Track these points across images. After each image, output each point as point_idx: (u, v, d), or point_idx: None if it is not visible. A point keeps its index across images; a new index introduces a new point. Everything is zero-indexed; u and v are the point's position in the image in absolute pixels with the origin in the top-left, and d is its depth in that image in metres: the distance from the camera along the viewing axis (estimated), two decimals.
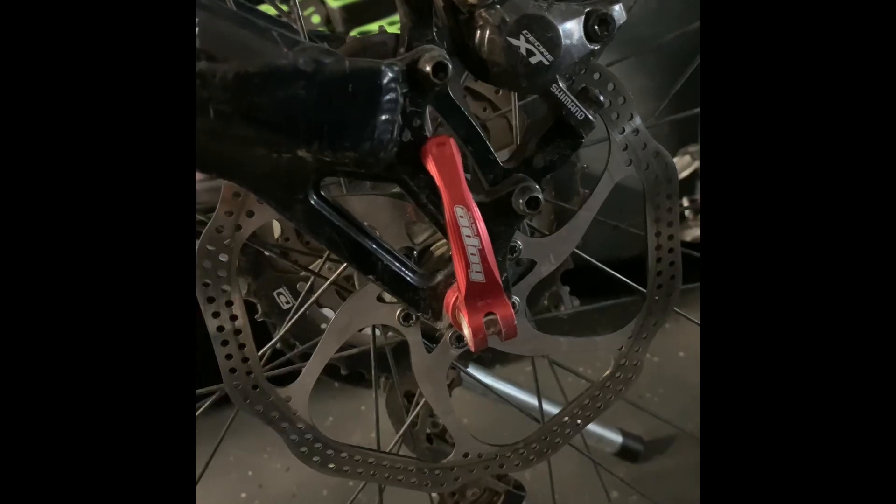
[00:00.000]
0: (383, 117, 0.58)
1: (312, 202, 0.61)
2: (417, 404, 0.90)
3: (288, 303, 0.93)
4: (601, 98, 0.67)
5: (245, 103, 0.54)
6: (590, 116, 0.66)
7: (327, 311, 0.94)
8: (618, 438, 1.59)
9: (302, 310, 0.81)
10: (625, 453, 1.59)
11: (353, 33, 1.85)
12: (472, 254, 0.61)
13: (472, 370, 1.30)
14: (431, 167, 0.61)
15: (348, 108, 0.57)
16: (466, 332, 0.63)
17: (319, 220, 0.62)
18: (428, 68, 0.59)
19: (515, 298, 0.74)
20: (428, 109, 0.61)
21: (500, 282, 0.63)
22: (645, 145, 0.73)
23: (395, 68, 0.58)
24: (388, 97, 0.58)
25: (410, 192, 0.64)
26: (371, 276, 0.65)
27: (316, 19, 2.00)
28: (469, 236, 0.61)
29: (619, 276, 0.87)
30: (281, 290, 0.92)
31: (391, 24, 1.70)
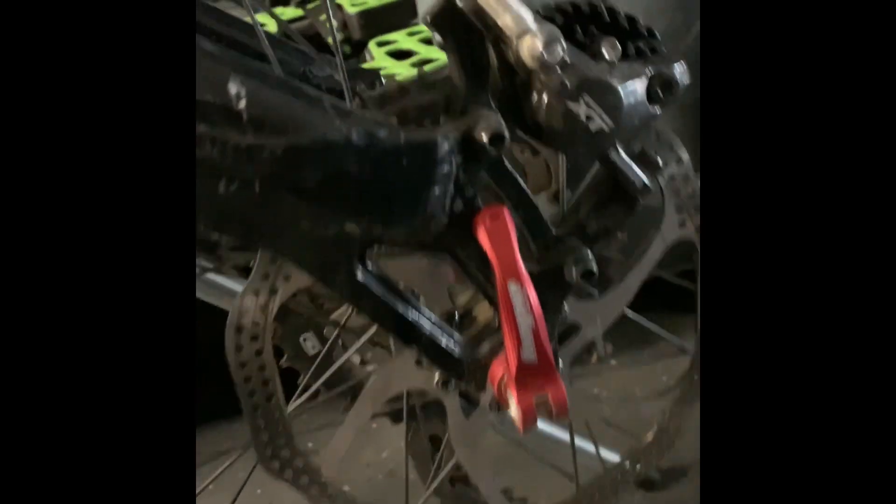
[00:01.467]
0: (437, 190, 0.55)
1: (358, 273, 0.58)
2: (441, 450, 0.87)
3: (314, 348, 0.89)
4: (660, 161, 0.64)
5: (293, 177, 0.50)
6: (647, 183, 0.63)
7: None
8: None
9: (336, 364, 0.77)
10: (641, 481, 1.57)
11: (371, 43, 1.81)
12: (524, 332, 0.58)
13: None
14: (484, 239, 0.57)
15: (401, 183, 0.53)
16: (514, 411, 0.60)
17: (363, 293, 0.58)
18: (485, 138, 0.55)
19: (560, 363, 0.70)
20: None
21: (554, 361, 0.59)
22: (693, 194, 0.69)
23: (451, 139, 0.55)
24: (442, 169, 0.54)
25: (460, 262, 0.60)
26: (414, 347, 0.62)
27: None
28: (522, 314, 0.57)
29: (662, 332, 0.83)
30: (307, 335, 0.88)
31: (410, 35, 1.66)
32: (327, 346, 0.86)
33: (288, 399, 0.70)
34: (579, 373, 0.93)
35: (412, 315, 0.61)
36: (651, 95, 0.61)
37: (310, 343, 0.89)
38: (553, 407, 0.60)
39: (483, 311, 0.69)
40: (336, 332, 0.83)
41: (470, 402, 0.72)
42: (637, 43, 0.61)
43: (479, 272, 0.60)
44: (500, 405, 0.69)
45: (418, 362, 0.68)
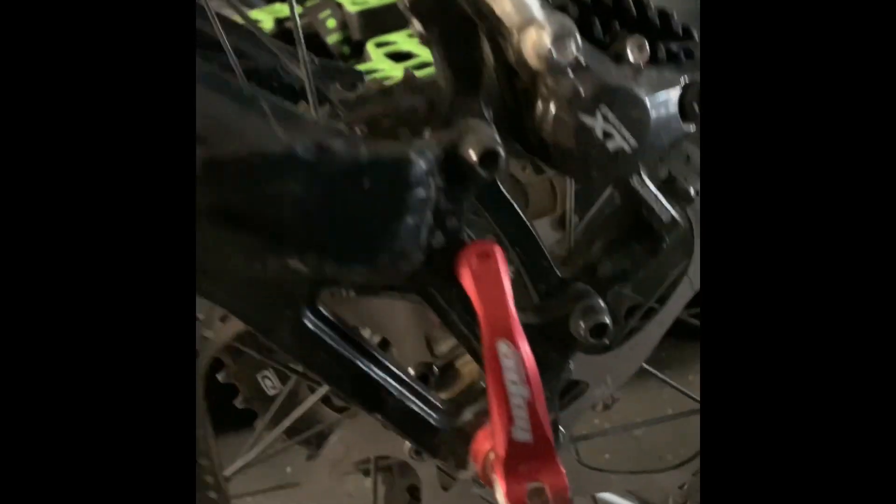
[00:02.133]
0: (409, 221, 0.42)
1: (306, 322, 0.45)
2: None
3: (274, 388, 0.77)
4: (691, 191, 0.52)
5: (217, 199, 0.38)
6: (676, 217, 0.51)
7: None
8: None
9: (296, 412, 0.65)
10: None
11: (370, 43, 1.69)
12: (517, 405, 0.45)
13: None
14: (468, 283, 0.45)
15: (361, 210, 0.41)
16: (501, 501, 0.48)
17: (312, 345, 0.46)
18: (473, 156, 0.43)
19: (560, 430, 0.58)
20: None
21: (553, 441, 0.47)
22: None
23: (429, 156, 0.42)
24: (417, 195, 0.42)
25: (437, 308, 0.48)
26: (378, 415, 0.49)
27: (331, 23, 1.85)
28: (515, 382, 0.45)
29: (680, 388, 0.71)
30: (266, 372, 0.76)
31: (412, 36, 1.52)
32: (289, 384, 0.74)
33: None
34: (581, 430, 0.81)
35: (376, 373, 0.49)
36: (684, 109, 0.49)
37: (269, 382, 0.77)
38: (550, 498, 0.47)
39: (468, 365, 0.56)
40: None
41: (450, 476, 0.60)
42: (669, 44, 0.49)
43: (461, 322, 0.48)
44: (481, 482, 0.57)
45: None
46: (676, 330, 0.62)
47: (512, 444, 0.46)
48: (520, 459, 0.47)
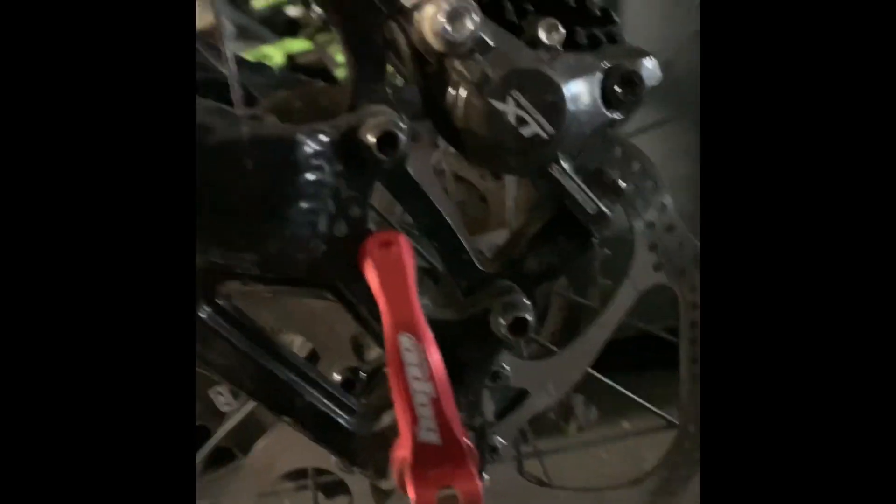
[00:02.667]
0: (301, 206, 0.41)
1: (202, 315, 0.44)
2: None
3: (228, 404, 0.75)
4: (622, 184, 0.49)
5: None
6: (604, 209, 0.48)
7: None
8: None
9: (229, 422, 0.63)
10: None
11: None
12: (421, 403, 0.43)
13: None
14: (371, 275, 0.43)
15: (244, 192, 0.39)
16: None
17: (210, 341, 0.44)
18: (371, 139, 0.41)
19: (498, 440, 0.55)
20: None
21: (463, 443, 0.44)
22: (681, 245, 0.54)
23: (322, 138, 0.41)
24: (308, 177, 0.40)
25: (346, 302, 0.46)
26: (286, 418, 0.47)
27: (340, 58, 1.87)
28: (418, 378, 0.42)
29: (647, 405, 0.68)
30: (220, 388, 0.74)
31: None
32: (243, 403, 0.72)
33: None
34: (549, 447, 0.78)
35: (284, 373, 0.46)
36: (608, 96, 0.47)
37: (222, 398, 0.75)
38: (463, 502, 0.44)
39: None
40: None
41: (382, 490, 0.57)
42: (590, 29, 0.47)
43: (371, 316, 0.46)
44: None
45: None
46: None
47: (418, 445, 0.43)
48: (429, 463, 0.44)
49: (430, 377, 0.43)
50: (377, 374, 0.55)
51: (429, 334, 0.43)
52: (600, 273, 0.78)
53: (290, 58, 1.86)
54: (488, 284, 0.49)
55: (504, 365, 0.54)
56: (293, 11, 2.27)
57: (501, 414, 0.56)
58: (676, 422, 0.60)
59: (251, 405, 0.69)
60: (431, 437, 0.43)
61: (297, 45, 2.00)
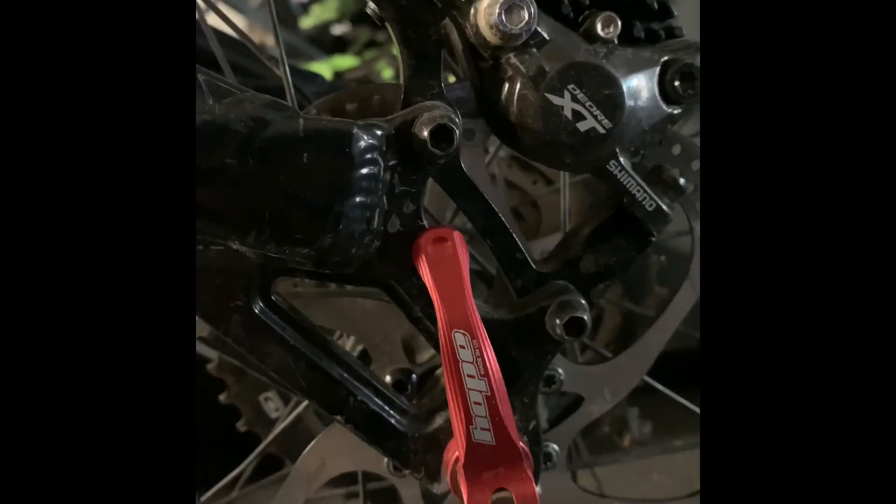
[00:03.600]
0: (356, 200, 0.41)
1: (256, 311, 0.44)
2: None
3: (277, 410, 0.75)
4: (681, 182, 0.48)
5: None
6: (663, 206, 0.47)
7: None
8: None
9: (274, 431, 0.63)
10: None
11: None
12: (475, 402, 0.42)
13: None
14: (424, 271, 0.42)
15: (300, 186, 0.39)
16: None
17: (265, 337, 0.44)
18: (425, 133, 0.41)
19: (553, 447, 0.54)
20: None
21: (519, 444, 0.43)
22: None
23: (377, 132, 0.41)
24: (363, 172, 0.40)
25: (399, 301, 0.46)
26: (339, 417, 0.47)
27: (387, 74, 1.89)
28: (472, 376, 0.42)
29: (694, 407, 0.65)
30: (269, 394, 0.75)
31: None
32: (290, 407, 0.72)
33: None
34: (595, 461, 0.75)
35: (337, 371, 0.46)
36: (666, 90, 0.46)
37: (272, 404, 0.75)
38: None
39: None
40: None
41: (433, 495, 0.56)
42: (648, 23, 0.46)
43: (425, 315, 0.45)
44: None
45: None
46: None
47: (472, 445, 0.42)
48: (482, 463, 0.43)
49: (485, 375, 0.42)
50: (429, 376, 0.54)
51: (483, 331, 0.42)
52: (657, 281, 0.76)
53: (338, 74, 1.89)
54: (543, 284, 0.48)
55: (559, 370, 0.53)
56: (339, 29, 2.32)
57: (556, 421, 0.55)
58: None
59: (299, 410, 0.69)
60: (486, 436, 0.42)
61: (345, 62, 2.03)
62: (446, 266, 0.42)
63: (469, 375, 0.42)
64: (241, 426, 0.77)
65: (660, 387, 0.63)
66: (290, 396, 0.75)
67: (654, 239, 0.48)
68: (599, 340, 0.77)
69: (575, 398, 0.55)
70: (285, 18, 2.12)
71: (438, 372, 0.54)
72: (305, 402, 0.65)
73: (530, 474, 0.43)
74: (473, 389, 0.42)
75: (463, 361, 0.42)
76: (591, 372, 0.54)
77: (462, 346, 0.42)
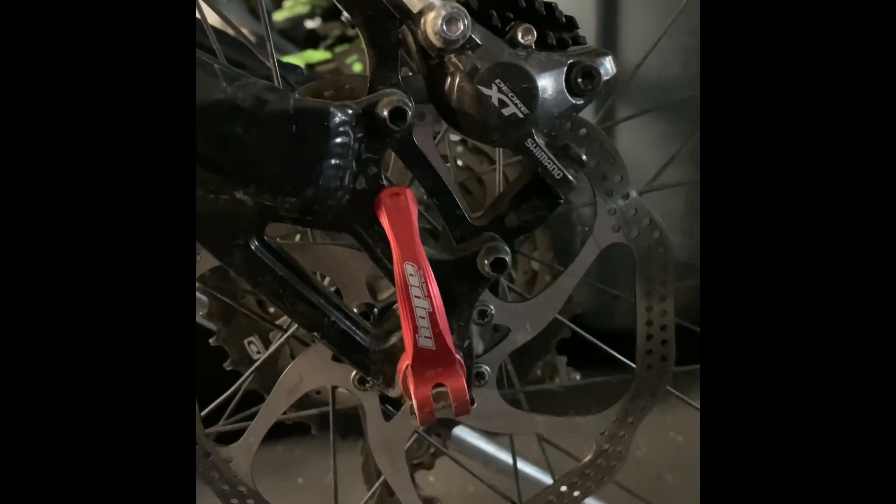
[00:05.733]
0: (331, 162, 0.54)
1: (253, 248, 0.56)
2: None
3: (258, 352, 0.88)
4: (583, 157, 0.62)
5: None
6: (568, 175, 0.61)
7: None
8: None
9: (251, 368, 0.76)
10: None
11: None
12: (420, 316, 0.55)
13: (466, 434, 1.22)
14: (384, 218, 0.56)
15: (290, 151, 0.52)
16: (413, 403, 0.57)
17: (259, 268, 0.57)
18: (385, 113, 0.54)
19: (485, 368, 0.67)
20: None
21: (453, 349, 0.56)
22: (636, 210, 0.67)
23: (348, 111, 0.54)
24: (337, 141, 0.53)
25: (364, 244, 0.59)
26: (315, 333, 0.60)
27: (357, 67, 1.99)
28: (419, 297, 0.55)
29: (608, 349, 0.79)
30: (252, 338, 0.87)
31: None
32: (269, 350, 0.84)
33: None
34: (523, 388, 0.89)
35: (315, 298, 0.59)
36: (571, 86, 0.59)
37: (255, 347, 0.88)
38: (452, 401, 0.57)
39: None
40: (281, 337, 0.82)
41: (392, 408, 0.69)
42: (559, 33, 0.60)
43: (384, 256, 0.58)
44: None
45: (335, 357, 0.66)
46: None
47: (417, 350, 0.56)
48: (425, 365, 0.56)
49: (428, 296, 0.55)
50: (387, 310, 0.67)
51: (427, 263, 0.55)
52: (580, 247, 0.91)
53: (310, 67, 1.98)
54: (477, 235, 0.61)
55: (491, 306, 0.66)
56: (312, 24, 2.40)
57: (488, 349, 0.69)
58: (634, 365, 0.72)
59: (273, 349, 0.82)
60: (428, 343, 0.56)
61: (317, 55, 2.13)
62: (400, 214, 0.55)
63: (416, 296, 0.55)
64: (227, 366, 0.89)
65: (577, 329, 0.77)
66: (270, 340, 0.88)
67: (561, 201, 0.62)
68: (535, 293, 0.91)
69: (504, 333, 0.69)
70: (257, 12, 2.19)
71: (395, 307, 0.67)
72: (281, 342, 0.78)
73: (462, 374, 0.57)
74: (419, 307, 0.55)
75: (411, 286, 0.55)
76: (516, 308, 0.68)
77: (411, 275, 0.55)
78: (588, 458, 0.73)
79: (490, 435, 1.30)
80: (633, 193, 0.66)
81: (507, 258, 0.60)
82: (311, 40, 2.31)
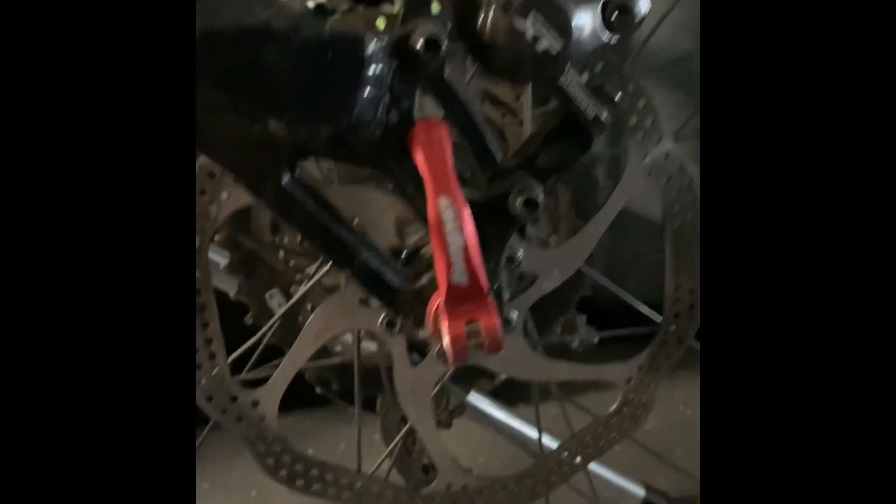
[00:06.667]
0: (365, 92, 0.53)
1: (284, 182, 0.56)
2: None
3: (280, 306, 0.88)
4: (616, 98, 0.61)
5: (211, 63, 0.49)
6: (601, 116, 0.60)
7: None
8: (640, 492, 1.47)
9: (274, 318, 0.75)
10: None
11: None
12: (454, 252, 0.55)
13: (480, 402, 1.21)
14: (417, 152, 0.55)
15: (325, 78, 0.52)
16: (445, 339, 0.57)
17: (291, 204, 0.56)
18: (419, 44, 0.53)
19: (513, 313, 0.67)
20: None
21: (486, 287, 0.56)
22: (667, 156, 0.66)
23: (383, 40, 0.53)
24: (371, 70, 0.53)
25: (396, 181, 0.58)
26: (347, 270, 0.59)
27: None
28: (453, 232, 0.55)
29: (633, 301, 0.79)
30: (273, 291, 0.87)
31: None
32: (290, 303, 0.84)
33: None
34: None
35: (346, 235, 0.59)
36: (606, 22, 0.58)
37: (276, 300, 0.88)
38: (484, 336, 0.56)
39: (430, 250, 0.66)
40: (302, 289, 0.81)
41: (420, 354, 0.69)
42: None
43: (416, 193, 0.58)
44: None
45: (363, 301, 0.65)
46: None
47: (451, 286, 0.55)
48: (458, 301, 0.56)
49: (462, 230, 0.55)
50: (415, 254, 0.67)
51: (462, 196, 0.55)
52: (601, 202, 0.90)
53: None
54: (508, 174, 0.61)
55: (520, 252, 0.65)
56: None
57: (514, 295, 0.68)
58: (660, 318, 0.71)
59: (296, 307, 0.81)
60: (461, 279, 0.55)
61: None
62: (435, 147, 0.55)
63: (450, 232, 0.55)
64: (248, 320, 0.89)
65: (595, 275, 0.77)
66: (291, 294, 0.88)
67: (592, 142, 0.61)
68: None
69: (530, 281, 0.69)
70: None
71: (423, 251, 0.67)
72: (304, 291, 0.77)
73: (495, 311, 0.57)
74: (453, 243, 0.55)
75: (446, 221, 0.55)
76: (543, 255, 0.67)
77: (446, 209, 0.55)
78: (613, 407, 0.73)
79: (503, 402, 1.30)
80: (666, 139, 0.66)
81: (539, 198, 0.59)
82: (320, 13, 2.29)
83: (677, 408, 1.77)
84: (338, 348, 0.92)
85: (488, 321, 0.56)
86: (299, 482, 0.70)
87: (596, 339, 1.00)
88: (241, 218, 0.82)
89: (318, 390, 1.02)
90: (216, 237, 0.82)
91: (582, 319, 0.95)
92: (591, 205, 0.88)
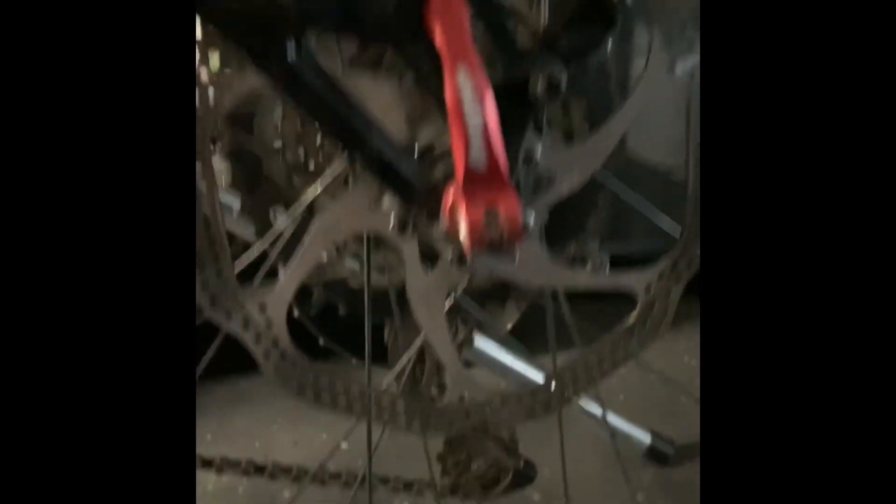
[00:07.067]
0: None
1: (294, 58, 0.53)
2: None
3: (283, 224, 0.84)
4: None
5: None
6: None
7: None
8: (646, 438, 1.46)
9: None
10: (653, 455, 1.47)
11: None
12: (473, 129, 0.52)
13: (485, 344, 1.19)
14: (435, 22, 0.52)
15: None
16: (463, 227, 0.54)
17: (297, 80, 0.53)
18: None
19: (531, 215, 0.64)
20: None
21: (506, 169, 0.53)
22: (692, 47, 0.63)
23: None
24: None
25: (409, 60, 0.55)
26: (358, 154, 0.56)
27: None
28: (471, 107, 0.51)
29: (652, 210, 0.76)
30: (277, 208, 0.84)
31: None
32: (296, 221, 0.81)
33: None
34: None
35: (359, 121, 0.56)
36: None
37: (280, 219, 0.84)
38: (504, 222, 0.53)
39: (443, 145, 0.63)
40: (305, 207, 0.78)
41: (431, 261, 0.66)
42: None
43: (431, 73, 0.54)
44: (461, 259, 0.63)
45: (373, 203, 0.62)
46: None
47: (469, 169, 0.52)
48: (477, 186, 0.53)
49: (482, 108, 0.51)
50: (428, 150, 0.64)
51: (481, 67, 0.51)
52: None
53: None
54: (528, 56, 0.58)
55: (537, 149, 0.62)
56: None
57: (534, 195, 0.65)
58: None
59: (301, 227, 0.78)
60: (480, 162, 0.52)
61: None
62: (452, 16, 0.51)
63: (468, 106, 0.51)
64: (250, 237, 0.86)
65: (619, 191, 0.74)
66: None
67: (618, 22, 0.58)
68: None
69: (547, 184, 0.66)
70: None
71: (436, 149, 0.64)
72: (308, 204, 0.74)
73: (516, 197, 0.54)
74: (472, 117, 0.52)
75: (464, 98, 0.52)
76: (562, 153, 0.64)
77: (464, 80, 0.51)
78: (633, 316, 0.70)
79: (507, 346, 1.28)
80: (691, 27, 0.62)
81: (563, 82, 0.56)
82: None
83: (682, 358, 1.77)
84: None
85: (508, 206, 0.53)
86: (309, 393, 0.67)
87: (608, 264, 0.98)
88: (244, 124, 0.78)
89: (322, 342, 1.00)
90: (217, 146, 0.79)
91: (595, 246, 0.92)
92: (603, 102, 0.84)
